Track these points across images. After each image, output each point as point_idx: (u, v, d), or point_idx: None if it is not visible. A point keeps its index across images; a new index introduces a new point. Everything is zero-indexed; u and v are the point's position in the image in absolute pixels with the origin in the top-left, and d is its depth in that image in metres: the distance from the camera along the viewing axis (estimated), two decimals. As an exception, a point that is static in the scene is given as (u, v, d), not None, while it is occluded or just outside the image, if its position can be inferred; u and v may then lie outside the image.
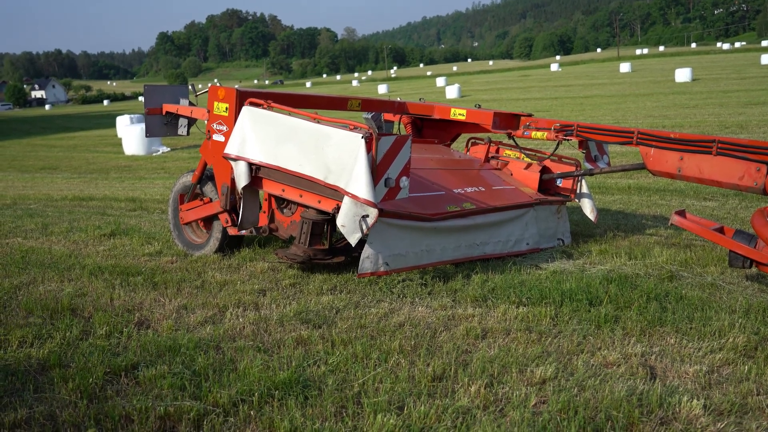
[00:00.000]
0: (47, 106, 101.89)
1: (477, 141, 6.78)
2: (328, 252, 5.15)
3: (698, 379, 3.19)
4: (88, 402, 3.02)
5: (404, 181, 4.49)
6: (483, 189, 5.70)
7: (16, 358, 3.53)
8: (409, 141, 4.50)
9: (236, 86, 5.62)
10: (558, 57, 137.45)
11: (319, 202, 4.66)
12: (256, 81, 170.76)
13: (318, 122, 4.55)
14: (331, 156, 4.39)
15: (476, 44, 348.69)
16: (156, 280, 5.02)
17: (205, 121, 5.57)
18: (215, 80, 7.54)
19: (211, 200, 5.74)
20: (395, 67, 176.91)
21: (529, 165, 6.23)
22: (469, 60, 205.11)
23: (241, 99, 5.18)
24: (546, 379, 3.18)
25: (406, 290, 4.62)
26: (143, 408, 2.91)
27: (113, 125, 33.64)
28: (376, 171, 4.31)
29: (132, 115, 29.06)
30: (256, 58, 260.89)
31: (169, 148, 23.47)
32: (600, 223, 6.96)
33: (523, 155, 6.38)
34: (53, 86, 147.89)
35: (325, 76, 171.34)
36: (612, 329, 3.84)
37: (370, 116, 6.61)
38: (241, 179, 4.96)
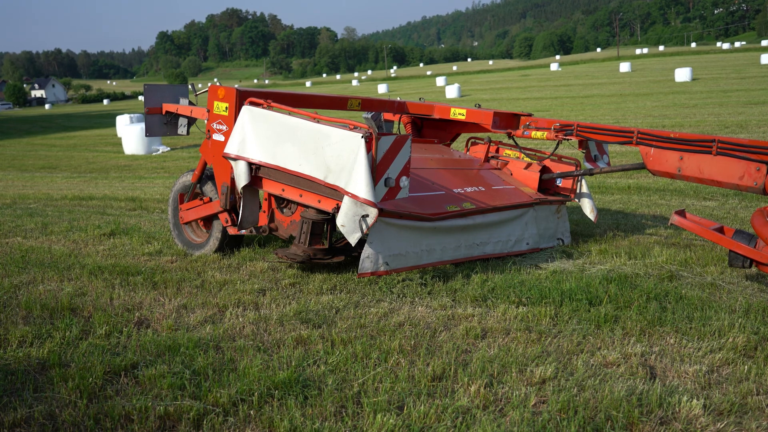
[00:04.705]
0: (47, 106, 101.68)
1: (477, 141, 6.77)
2: (327, 251, 5.15)
3: (698, 379, 3.19)
4: (88, 402, 3.02)
5: (404, 181, 4.49)
6: (483, 189, 5.70)
7: (15, 357, 3.53)
8: (409, 141, 4.50)
9: (236, 86, 5.62)
10: (558, 57, 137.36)
11: (319, 201, 4.66)
12: (256, 80, 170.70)
13: (318, 122, 4.55)
14: (330, 155, 4.39)
15: (476, 44, 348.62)
16: (156, 279, 5.02)
17: (205, 121, 5.57)
18: (215, 80, 7.54)
19: (210, 200, 5.74)
20: (395, 67, 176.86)
21: (528, 165, 6.23)
22: (469, 59, 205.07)
23: (241, 98, 5.18)
24: (546, 378, 3.19)
25: (406, 290, 4.62)
26: (143, 407, 2.91)
27: (113, 124, 33.67)
28: (376, 171, 4.31)
29: (132, 115, 29.08)
30: (256, 58, 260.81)
31: (168, 148, 23.47)
32: (600, 223, 6.96)
33: (522, 155, 6.38)
34: (53, 85, 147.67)
35: (325, 75, 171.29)
36: (612, 329, 3.84)
37: (369, 116, 6.61)
38: (241, 179, 4.96)
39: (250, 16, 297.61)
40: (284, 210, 5.35)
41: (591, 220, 6.27)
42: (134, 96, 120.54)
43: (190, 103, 6.41)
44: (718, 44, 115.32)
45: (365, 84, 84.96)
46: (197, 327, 4.02)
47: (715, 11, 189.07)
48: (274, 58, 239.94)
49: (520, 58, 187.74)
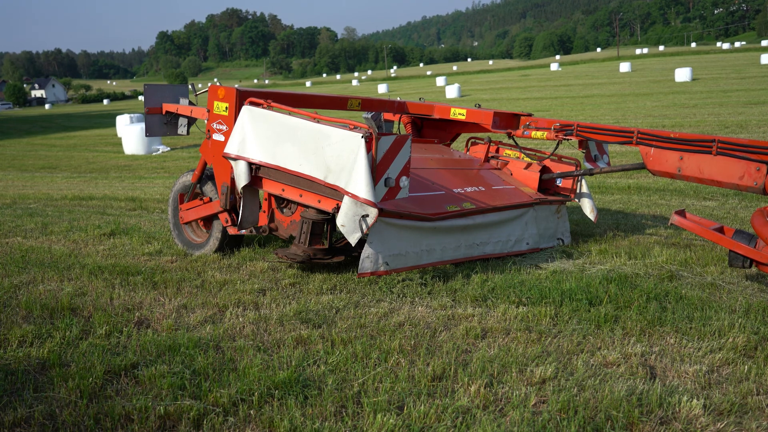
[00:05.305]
0: (47, 106, 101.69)
1: (477, 141, 6.77)
2: (327, 251, 5.15)
3: (698, 379, 3.19)
4: (88, 401, 3.02)
5: (404, 181, 4.49)
6: (483, 189, 5.70)
7: (15, 357, 3.53)
8: (409, 141, 4.50)
9: (236, 86, 5.62)
10: (558, 56, 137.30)
11: (319, 201, 4.66)
12: (256, 80, 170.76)
13: (318, 122, 4.55)
14: (330, 155, 4.39)
15: (476, 44, 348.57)
16: (156, 279, 5.02)
17: (205, 121, 5.57)
18: (215, 80, 7.55)
19: (210, 200, 5.74)
20: (395, 67, 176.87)
21: (529, 165, 6.23)
22: (469, 59, 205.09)
23: (241, 98, 5.18)
24: (546, 378, 3.19)
25: (406, 290, 4.62)
26: (143, 407, 2.91)
27: (113, 124, 33.67)
28: (376, 170, 4.31)
29: (132, 115, 29.09)
30: (256, 58, 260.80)
31: (168, 148, 23.47)
32: (600, 223, 6.96)
33: (523, 155, 6.38)
34: (53, 85, 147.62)
35: (325, 75, 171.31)
36: (612, 329, 3.84)
37: (369, 116, 6.61)
38: (241, 179, 4.96)
39: (250, 16, 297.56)
40: (284, 210, 5.35)
41: (591, 220, 6.27)
42: (134, 96, 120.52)
43: (190, 103, 6.41)
44: (718, 44, 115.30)
45: (365, 84, 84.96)
46: (197, 327, 4.02)
47: (715, 11, 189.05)
48: (274, 58, 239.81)
49: (520, 58, 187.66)
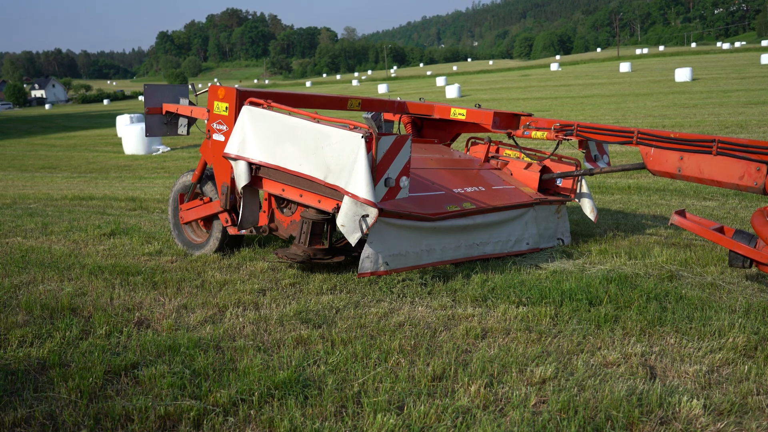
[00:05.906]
0: (47, 106, 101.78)
1: (477, 141, 6.77)
2: (328, 251, 5.15)
3: (698, 379, 3.19)
4: (88, 401, 3.02)
5: (404, 181, 4.49)
6: (483, 189, 5.70)
7: (15, 357, 3.53)
8: (409, 141, 4.50)
9: (236, 86, 5.62)
10: (558, 57, 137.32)
11: (319, 201, 4.66)
12: (256, 80, 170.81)
13: (318, 122, 4.55)
14: (330, 155, 4.39)
15: (476, 44, 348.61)
16: (156, 279, 5.02)
17: (205, 121, 5.57)
18: (215, 80, 7.55)
19: (211, 200, 5.74)
20: (395, 67, 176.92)
21: (529, 165, 6.23)
22: (469, 59, 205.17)
23: (241, 98, 5.19)
24: (546, 378, 3.19)
25: (406, 290, 4.62)
26: (143, 407, 2.91)
27: (113, 125, 33.69)
28: (376, 171, 4.31)
29: (132, 115, 29.10)
30: (256, 58, 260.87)
31: (168, 148, 23.47)
32: (600, 223, 6.96)
33: (523, 155, 6.38)
34: (53, 85, 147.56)
35: (325, 75, 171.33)
36: (612, 329, 3.84)
37: (369, 116, 6.61)
38: (241, 179, 4.96)
39: (250, 16, 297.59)
40: (284, 210, 5.35)
41: (591, 220, 6.27)
42: (134, 96, 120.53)
43: (190, 103, 6.41)
44: (718, 44, 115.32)
45: (365, 84, 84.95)
46: (197, 327, 4.02)
47: (715, 11, 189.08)
48: (274, 58, 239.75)
49: (520, 58, 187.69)
